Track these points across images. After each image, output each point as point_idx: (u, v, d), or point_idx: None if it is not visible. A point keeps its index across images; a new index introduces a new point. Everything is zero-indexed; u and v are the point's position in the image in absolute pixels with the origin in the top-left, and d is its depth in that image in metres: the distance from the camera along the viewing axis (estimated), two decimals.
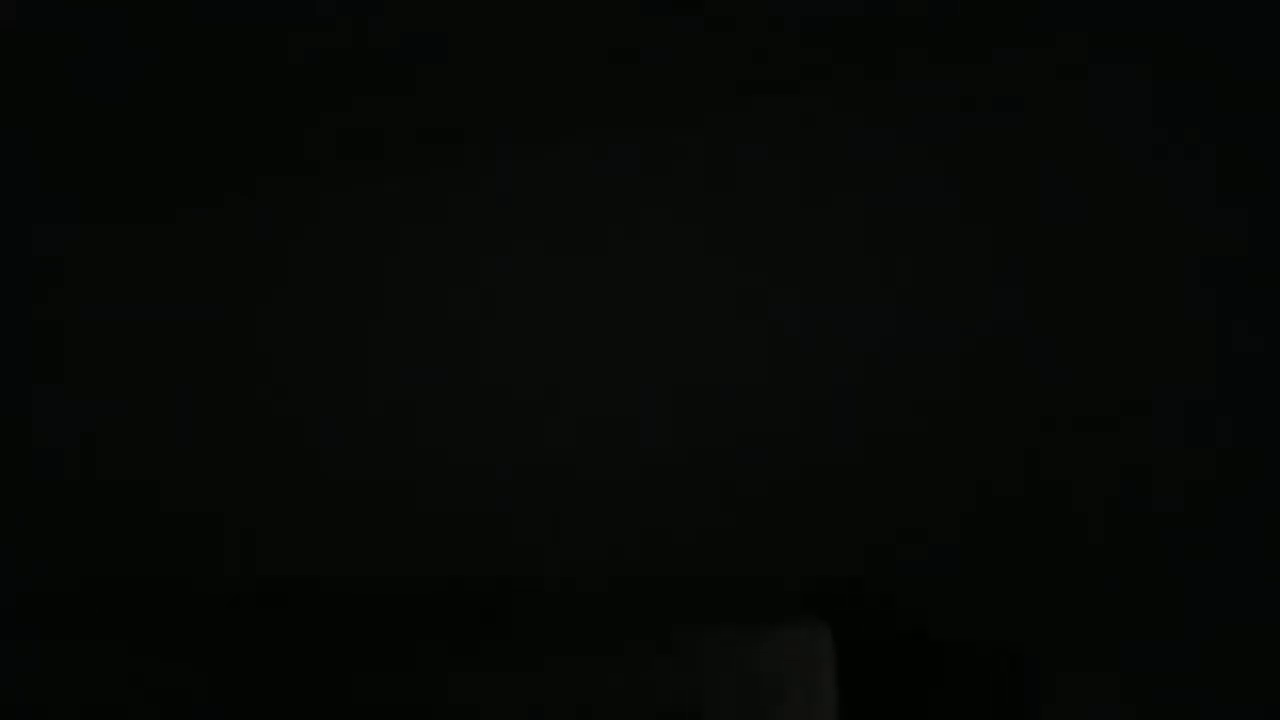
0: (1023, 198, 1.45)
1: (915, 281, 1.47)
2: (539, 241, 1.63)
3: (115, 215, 1.82)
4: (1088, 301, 1.42)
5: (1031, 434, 1.41)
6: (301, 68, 1.52)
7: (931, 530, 1.41)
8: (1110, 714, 1.34)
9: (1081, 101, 1.43)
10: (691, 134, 1.57)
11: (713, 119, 1.56)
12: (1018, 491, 1.40)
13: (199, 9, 1.40)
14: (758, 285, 1.52)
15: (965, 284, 1.45)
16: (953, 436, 1.42)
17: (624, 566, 1.49)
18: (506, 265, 1.64)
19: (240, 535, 1.68)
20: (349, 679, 1.35)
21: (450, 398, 1.63)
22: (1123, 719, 1.34)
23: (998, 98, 1.46)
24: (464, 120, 1.64)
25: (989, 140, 1.46)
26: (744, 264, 1.53)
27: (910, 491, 1.42)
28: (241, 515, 1.68)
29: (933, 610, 1.39)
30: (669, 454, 1.52)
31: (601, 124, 1.61)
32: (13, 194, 1.80)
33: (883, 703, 1.36)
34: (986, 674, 1.37)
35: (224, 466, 1.71)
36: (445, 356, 1.64)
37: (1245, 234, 1.37)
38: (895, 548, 1.41)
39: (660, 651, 1.27)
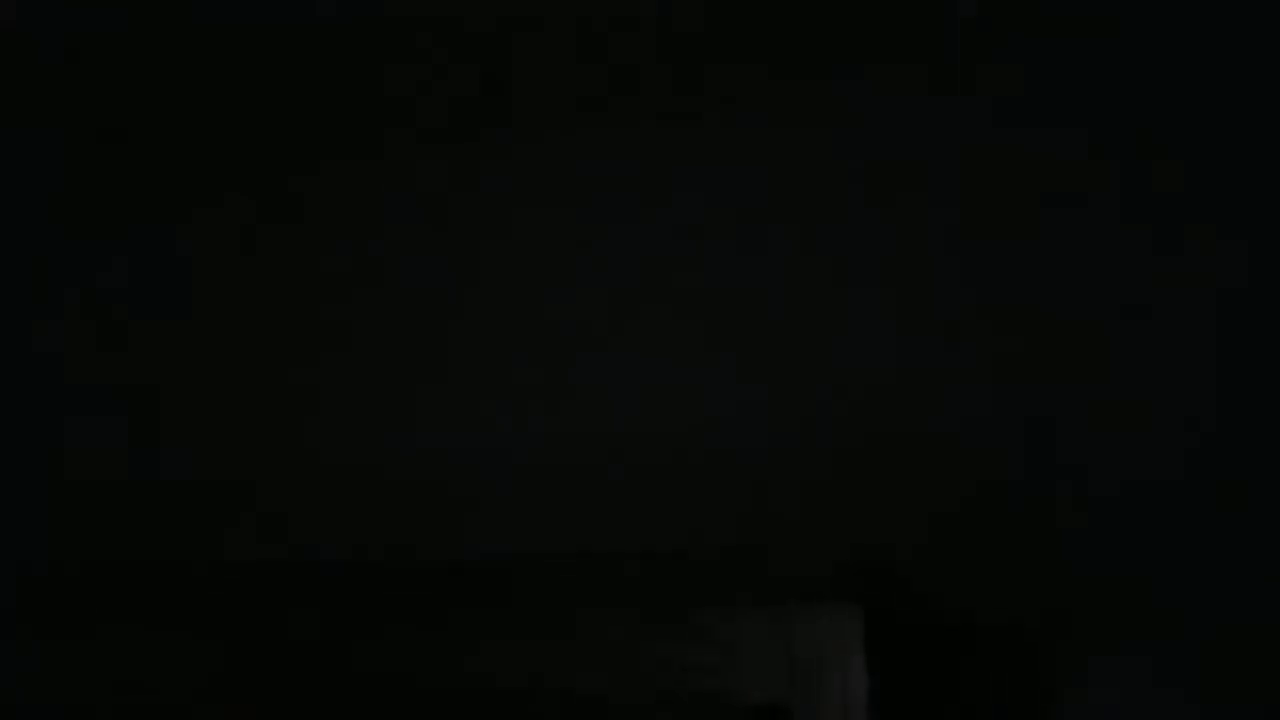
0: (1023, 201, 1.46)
1: (933, 267, 1.47)
2: (545, 229, 1.63)
3: (114, 213, 1.82)
4: (1092, 297, 1.42)
5: (1038, 432, 1.41)
6: (300, 64, 1.52)
7: (959, 513, 1.41)
8: (1130, 695, 1.35)
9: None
10: (694, 128, 1.57)
11: (727, 109, 1.56)
12: (1030, 478, 1.40)
13: (199, 9, 1.40)
14: (781, 270, 1.53)
15: (979, 270, 1.46)
16: (974, 426, 1.43)
17: (657, 548, 1.49)
18: (511, 255, 1.64)
19: (246, 519, 1.68)
20: (377, 661, 1.35)
21: (466, 387, 1.63)
22: (1138, 705, 1.34)
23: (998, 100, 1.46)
24: (463, 116, 1.64)
25: (987, 146, 1.47)
26: (762, 246, 1.53)
27: (939, 475, 1.43)
28: (247, 500, 1.68)
29: (964, 592, 1.39)
30: (702, 438, 1.51)
31: (596, 122, 1.61)
32: (12, 193, 1.80)
33: (915, 683, 1.37)
34: (1017, 655, 1.37)
35: (225, 454, 1.71)
36: (456, 349, 1.64)
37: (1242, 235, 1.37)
38: (927, 530, 1.41)
39: (694, 633, 1.27)
